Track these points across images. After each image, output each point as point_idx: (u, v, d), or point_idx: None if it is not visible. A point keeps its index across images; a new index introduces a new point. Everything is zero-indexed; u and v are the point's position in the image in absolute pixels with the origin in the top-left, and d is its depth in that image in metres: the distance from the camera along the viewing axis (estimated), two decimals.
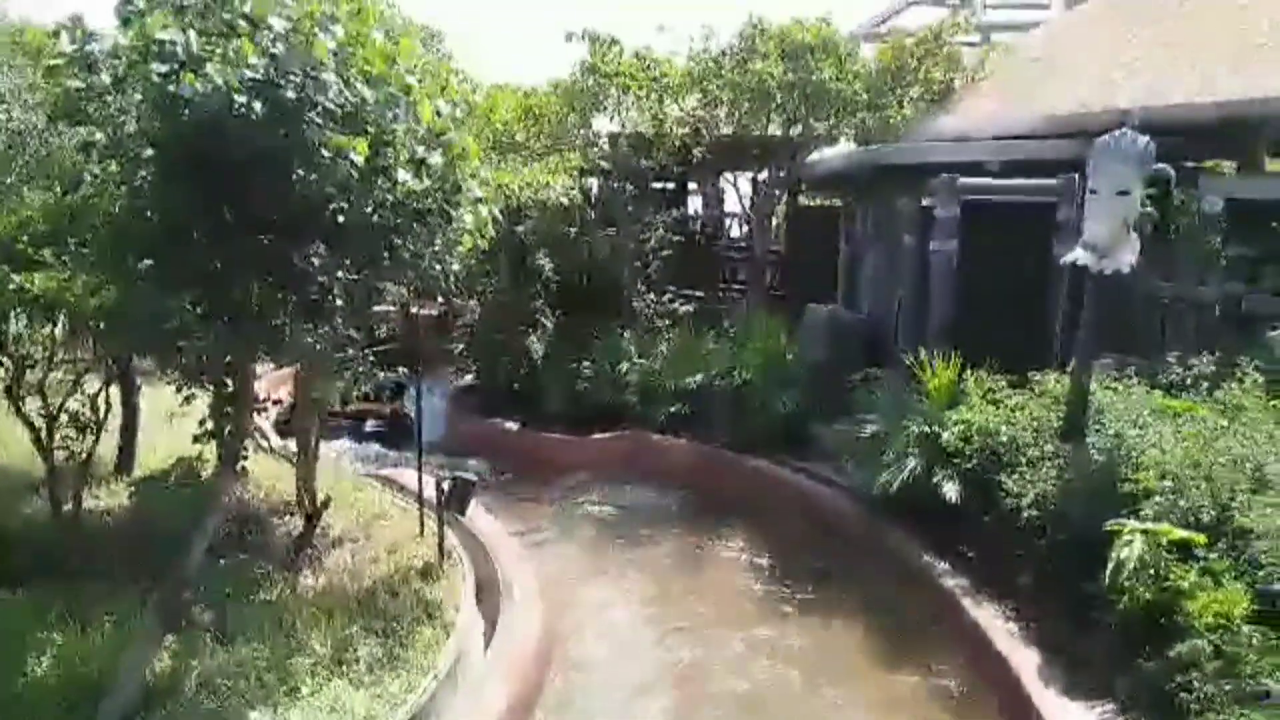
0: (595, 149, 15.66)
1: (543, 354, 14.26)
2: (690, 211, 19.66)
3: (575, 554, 9.91)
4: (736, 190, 18.46)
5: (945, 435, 8.55)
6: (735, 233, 19.88)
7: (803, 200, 19.47)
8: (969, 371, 9.21)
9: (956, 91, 13.96)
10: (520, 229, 13.77)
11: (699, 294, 16.64)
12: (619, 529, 10.51)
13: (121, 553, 6.76)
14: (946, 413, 8.86)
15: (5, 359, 6.91)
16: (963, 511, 8.21)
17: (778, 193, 16.80)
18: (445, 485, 7.95)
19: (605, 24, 28.39)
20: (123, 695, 4.94)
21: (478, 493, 8.70)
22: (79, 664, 5.38)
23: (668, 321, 14.63)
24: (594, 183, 15.85)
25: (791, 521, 10.26)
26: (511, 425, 13.61)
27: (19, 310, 6.51)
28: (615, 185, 15.25)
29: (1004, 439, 8.07)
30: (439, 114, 5.75)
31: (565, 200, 13.99)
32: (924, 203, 11.36)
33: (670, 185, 17.99)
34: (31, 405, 7.03)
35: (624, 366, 13.17)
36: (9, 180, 8.24)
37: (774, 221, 17.64)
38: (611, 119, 15.79)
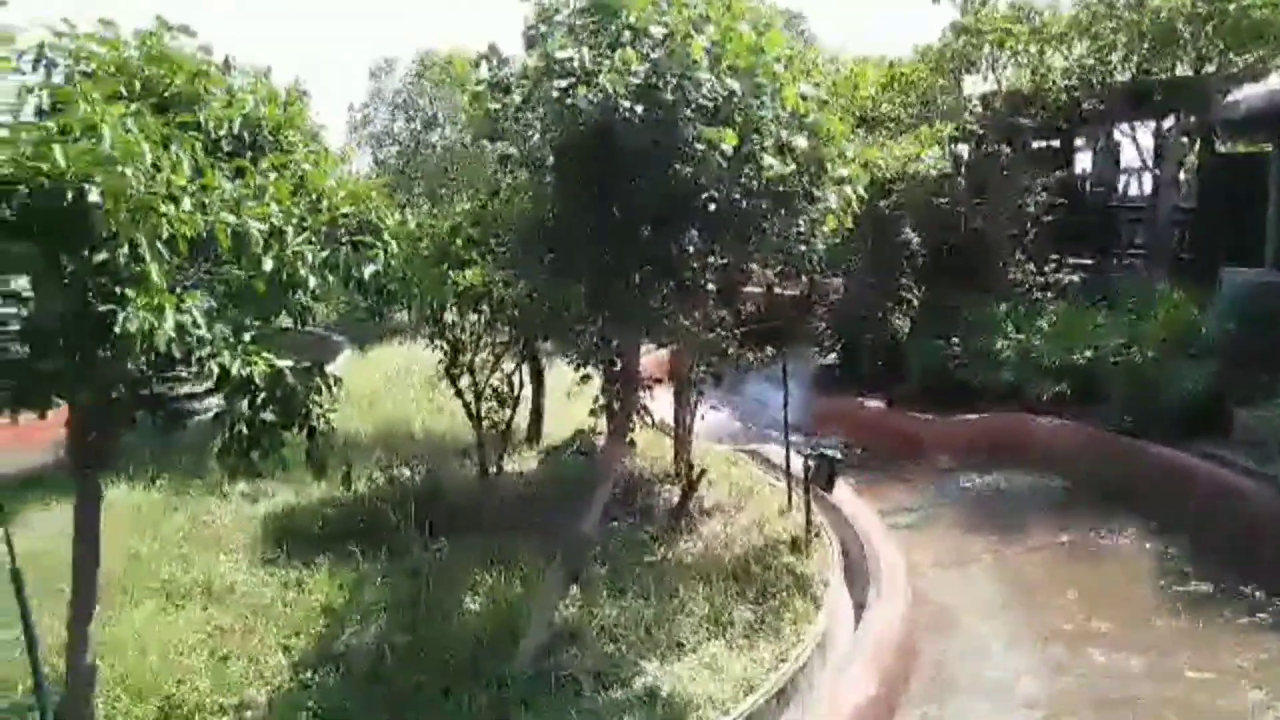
0: (966, 113, 14.78)
1: (907, 330, 13.87)
2: (1078, 171, 17.86)
3: (944, 538, 9.56)
4: (1135, 143, 16.43)
5: None
6: (1133, 191, 17.71)
7: (1219, 149, 16.80)
8: None
9: None
10: (885, 204, 13.44)
11: (1087, 261, 15.12)
12: (992, 515, 9.95)
13: (533, 511, 7.76)
14: None
15: (444, 343, 8.24)
16: None
17: (1186, 141, 14.67)
18: (811, 462, 8.09)
19: None
20: (537, 634, 5.70)
21: (842, 471, 8.74)
22: (501, 605, 6.29)
23: (1049, 293, 13.51)
24: (965, 149, 14.99)
25: (1203, 518, 8.99)
26: (875, 403, 13.44)
27: (453, 302, 7.75)
28: (989, 149, 14.30)
29: None
30: (804, 97, 5.81)
31: (934, 171, 13.39)
32: None
33: (1054, 143, 16.44)
34: (463, 383, 8.33)
35: (998, 342, 12.37)
36: (444, 190, 9.81)
37: (1182, 176, 15.45)
38: (985, 79, 14.80)
